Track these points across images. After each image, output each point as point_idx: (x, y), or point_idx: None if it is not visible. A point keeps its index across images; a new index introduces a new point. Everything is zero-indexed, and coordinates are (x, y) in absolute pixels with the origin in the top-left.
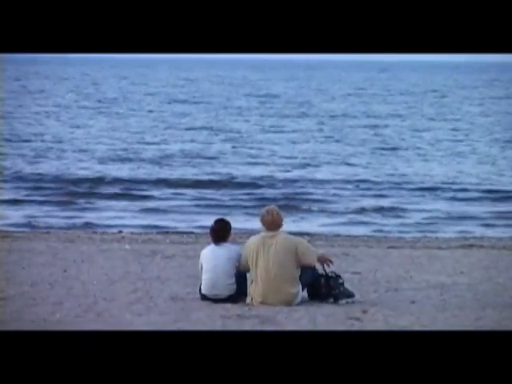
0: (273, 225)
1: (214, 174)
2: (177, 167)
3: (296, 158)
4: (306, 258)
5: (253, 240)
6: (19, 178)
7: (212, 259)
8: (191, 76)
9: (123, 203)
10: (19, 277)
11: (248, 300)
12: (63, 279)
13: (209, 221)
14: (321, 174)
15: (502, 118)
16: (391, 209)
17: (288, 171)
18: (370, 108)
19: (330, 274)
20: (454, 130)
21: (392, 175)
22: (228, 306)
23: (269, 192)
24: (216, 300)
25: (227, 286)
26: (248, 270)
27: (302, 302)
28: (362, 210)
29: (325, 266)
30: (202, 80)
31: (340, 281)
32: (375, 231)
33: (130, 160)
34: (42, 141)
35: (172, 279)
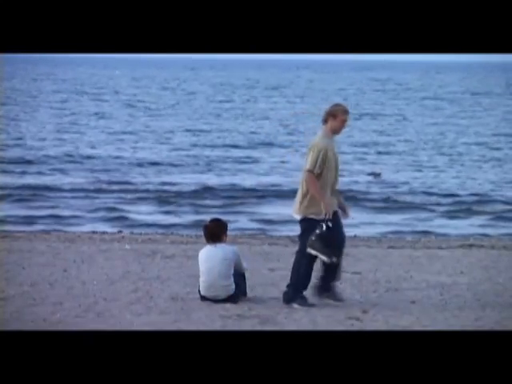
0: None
1: None
2: None
3: None
4: None
5: (324, 143)
6: None
7: (206, 261)
8: None
9: None
10: (19, 277)
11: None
12: (63, 279)
13: None
14: None
15: None
16: None
17: None
18: None
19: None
20: None
21: None
22: (228, 305)
23: None
24: (216, 300)
25: (224, 288)
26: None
27: None
28: None
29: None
30: None
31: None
32: None
33: None
34: None
35: (172, 279)
